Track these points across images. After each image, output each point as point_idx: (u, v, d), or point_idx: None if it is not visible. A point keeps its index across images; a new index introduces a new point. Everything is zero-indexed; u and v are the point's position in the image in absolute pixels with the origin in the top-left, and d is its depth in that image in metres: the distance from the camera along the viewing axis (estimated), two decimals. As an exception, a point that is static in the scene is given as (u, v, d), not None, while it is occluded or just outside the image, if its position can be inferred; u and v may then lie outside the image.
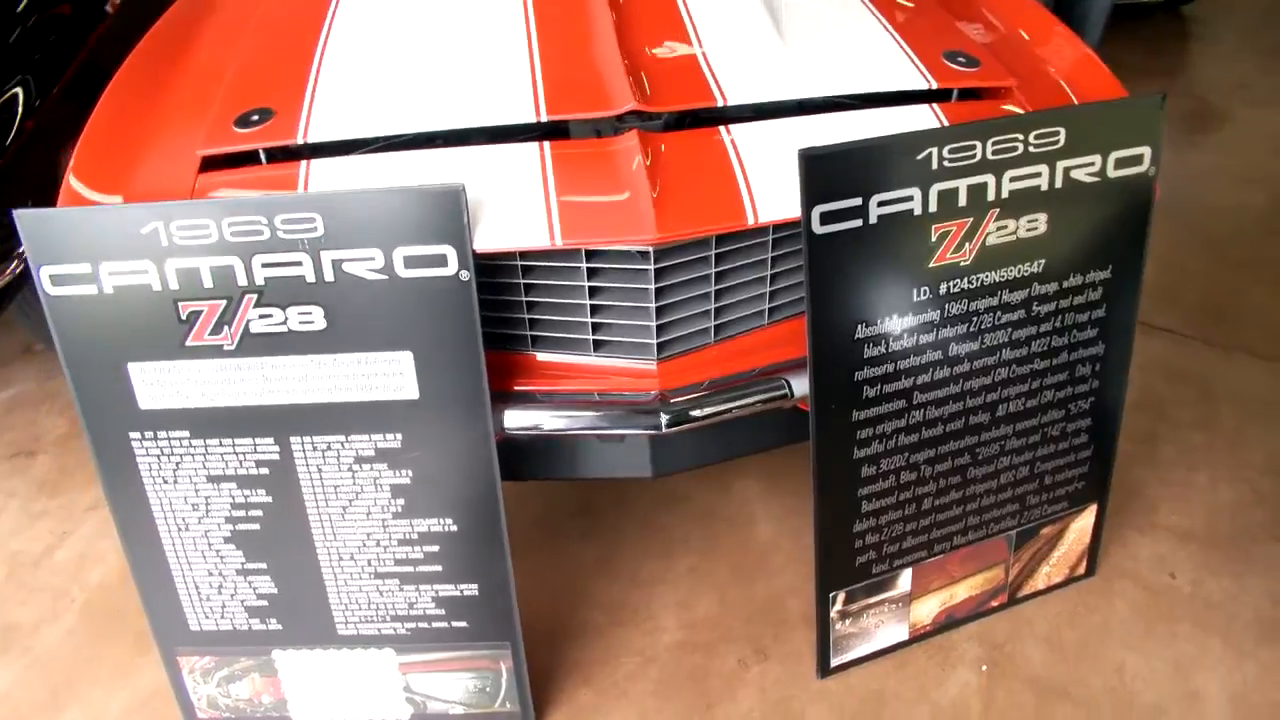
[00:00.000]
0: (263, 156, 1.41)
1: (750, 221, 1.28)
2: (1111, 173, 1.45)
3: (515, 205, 1.27)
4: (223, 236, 1.24)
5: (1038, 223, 1.44)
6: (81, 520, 2.11)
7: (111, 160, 1.45)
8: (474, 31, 1.60)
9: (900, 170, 1.31)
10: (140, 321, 1.29)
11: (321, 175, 1.35)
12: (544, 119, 1.34)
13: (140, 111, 1.55)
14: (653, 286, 1.32)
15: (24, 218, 1.26)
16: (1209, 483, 2.02)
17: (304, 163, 1.37)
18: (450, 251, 1.22)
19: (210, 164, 1.40)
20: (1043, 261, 1.47)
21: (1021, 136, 1.36)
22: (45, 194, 1.81)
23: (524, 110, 1.35)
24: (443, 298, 1.25)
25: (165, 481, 1.40)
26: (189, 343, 1.30)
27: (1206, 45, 4.39)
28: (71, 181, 1.41)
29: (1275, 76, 4.04)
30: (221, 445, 1.37)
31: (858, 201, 1.30)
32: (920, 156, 1.31)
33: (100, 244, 1.26)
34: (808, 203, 1.26)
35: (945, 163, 1.33)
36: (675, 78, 1.42)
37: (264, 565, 1.45)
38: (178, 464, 1.38)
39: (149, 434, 1.36)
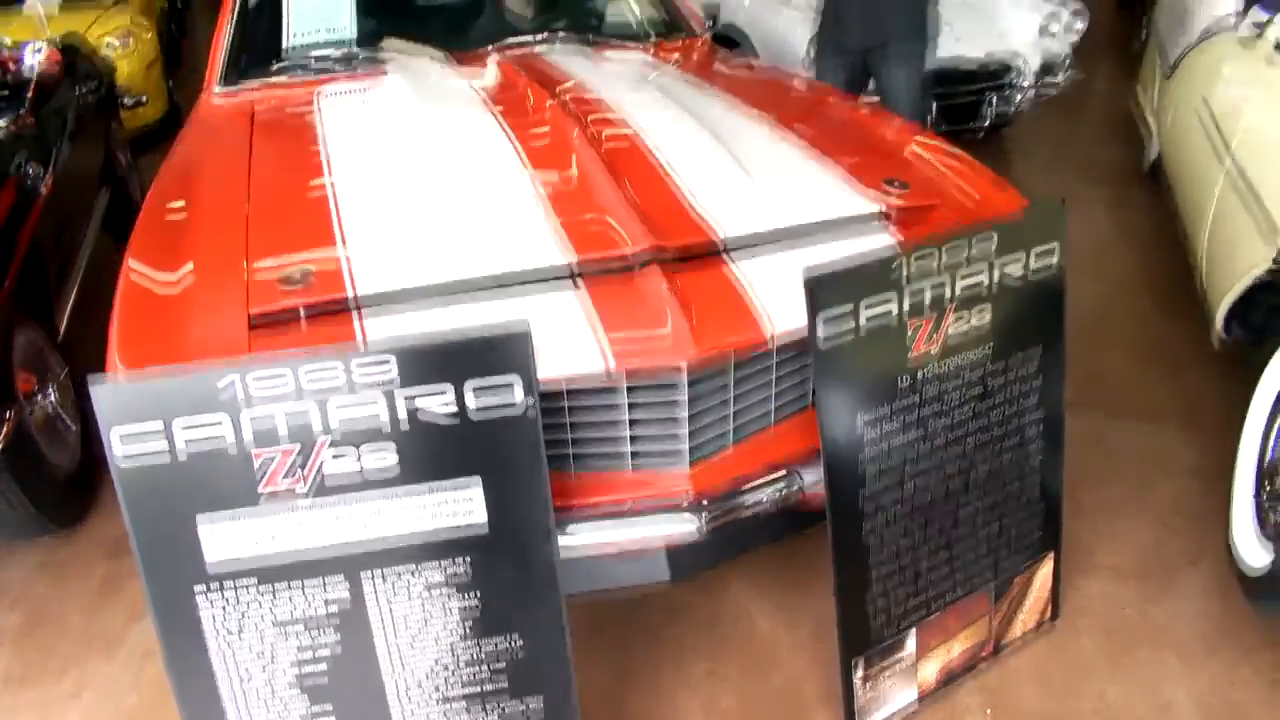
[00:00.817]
0: (303, 312, 1.52)
1: (769, 340, 1.48)
2: (1033, 266, 1.75)
3: (568, 340, 1.43)
4: (299, 386, 1.34)
5: (984, 314, 1.71)
6: (65, 709, 2.03)
7: (155, 333, 1.52)
8: (474, 180, 1.79)
9: (881, 282, 1.55)
10: (212, 476, 1.35)
11: (376, 328, 1.47)
12: (576, 266, 1.51)
13: (165, 290, 1.64)
14: (685, 399, 1.49)
15: (99, 388, 1.32)
16: (1132, 526, 2.33)
17: (355, 314, 1.48)
18: (518, 386, 1.36)
19: (259, 323, 1.50)
20: (991, 345, 1.74)
21: (966, 244, 1.64)
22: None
23: (555, 255, 1.53)
24: (510, 429, 1.38)
25: (230, 633, 1.43)
26: (261, 490, 1.37)
27: (1028, 161, 5.06)
28: (118, 359, 1.47)
29: (1085, 183, 4.71)
30: (290, 590, 1.42)
31: (850, 316, 1.53)
32: (895, 272, 1.56)
33: (175, 405, 1.32)
34: (812, 317, 1.48)
35: (913, 272, 1.59)
36: (674, 217, 1.64)
37: (329, 707, 1.49)
38: (244, 613, 1.42)
39: (215, 586, 1.40)
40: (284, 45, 2.87)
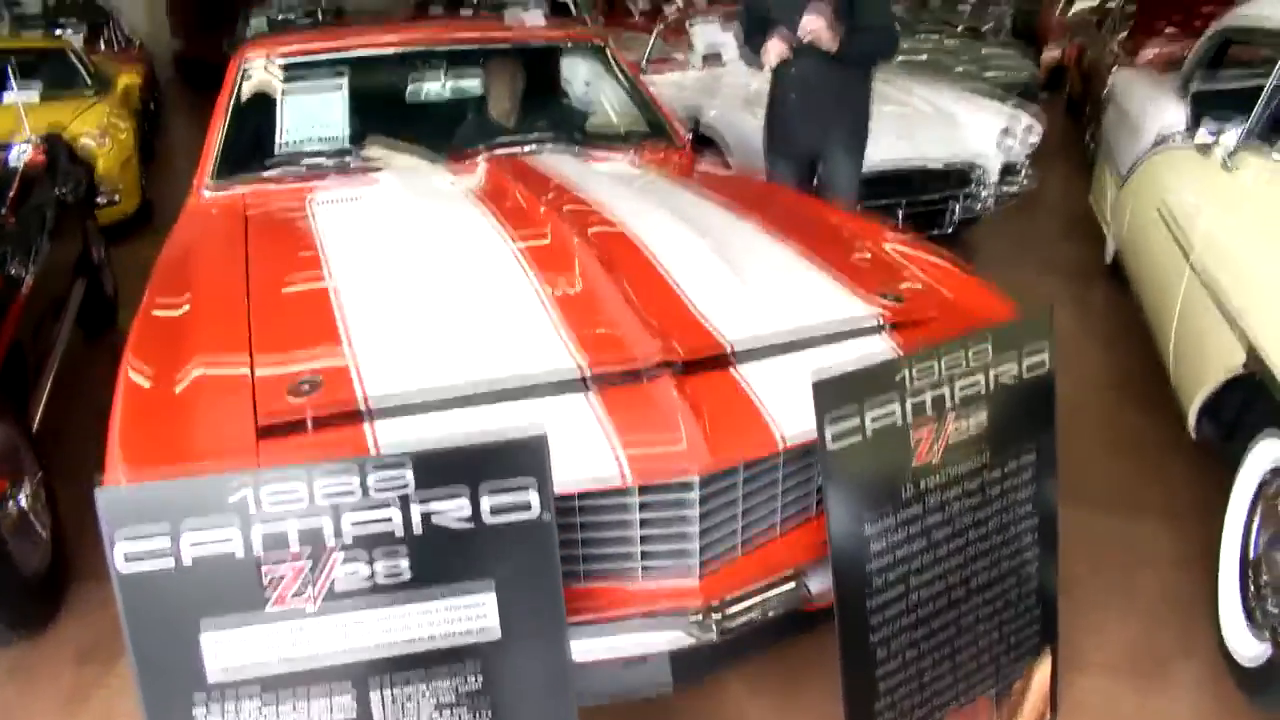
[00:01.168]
0: (310, 423, 1.51)
1: (780, 446, 1.50)
2: (1026, 372, 1.80)
3: (583, 448, 1.43)
4: (313, 498, 1.32)
5: (982, 418, 1.74)
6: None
7: (158, 436, 1.50)
8: (478, 285, 1.81)
9: (885, 386, 1.58)
10: (218, 584, 1.32)
11: (388, 435, 1.46)
12: (589, 373, 1.53)
13: (167, 390, 1.62)
14: (698, 511, 1.49)
15: (104, 492, 1.30)
16: (1121, 619, 2.34)
17: (366, 424, 1.48)
18: (534, 495, 1.36)
19: (267, 432, 1.48)
20: (988, 450, 1.77)
21: (964, 352, 1.69)
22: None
23: (567, 362, 1.55)
24: (525, 535, 1.37)
25: (229, 752, 1.37)
26: (270, 608, 1.34)
27: (992, 259, 5.22)
28: (120, 461, 1.45)
29: (1048, 280, 4.87)
30: (295, 700, 1.37)
31: (856, 421, 1.55)
32: (898, 377, 1.60)
33: (183, 511, 1.30)
34: (822, 422, 1.51)
35: (915, 380, 1.62)
36: (680, 324, 1.67)
37: (329, 830, 1.42)
38: (245, 727, 1.37)
39: (215, 696, 1.35)
40: (277, 146, 2.91)
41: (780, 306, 1.78)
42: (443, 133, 3.19)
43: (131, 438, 1.49)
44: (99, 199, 5.04)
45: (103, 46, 9.92)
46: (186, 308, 1.95)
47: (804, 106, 3.46)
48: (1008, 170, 4.92)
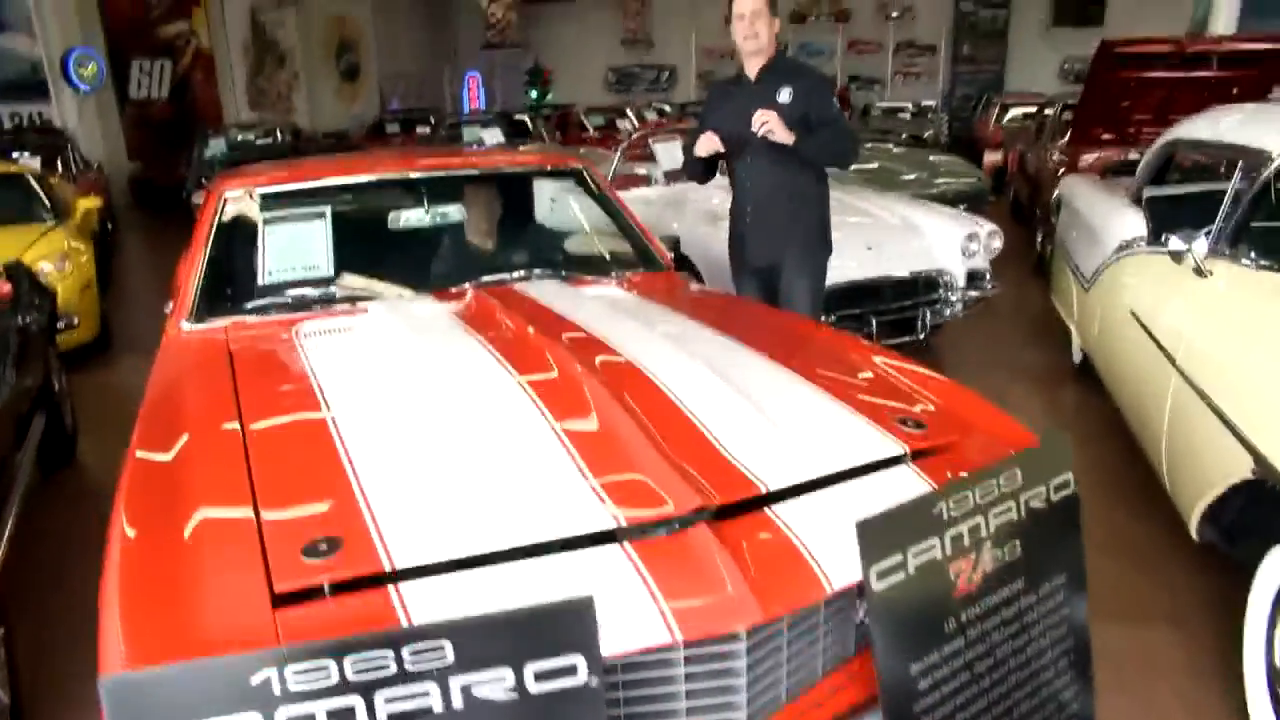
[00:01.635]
0: (326, 589, 1.41)
1: (828, 591, 1.44)
2: (1053, 495, 1.78)
3: (627, 610, 1.35)
4: (344, 677, 1.23)
5: (1016, 548, 1.71)
6: None
7: (162, 614, 1.39)
8: (493, 428, 1.75)
9: (925, 525, 1.55)
10: (237, 782, 1.20)
11: (417, 599, 1.37)
12: (623, 525, 1.46)
13: (167, 554, 1.51)
14: (744, 663, 1.42)
15: (112, 687, 1.19)
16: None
17: (393, 588, 1.39)
18: (581, 661, 1.27)
19: (285, 599, 1.39)
20: (1023, 579, 1.73)
21: (995, 481, 1.66)
22: None
23: (601, 517, 1.48)
24: (573, 705, 1.28)
25: None
26: (295, 798, 1.22)
27: (962, 366, 5.31)
28: (121, 646, 1.33)
29: (1018, 384, 4.97)
30: None
31: (899, 558, 1.51)
32: (936, 511, 1.56)
33: (199, 702, 1.19)
34: (867, 564, 1.46)
35: (951, 512, 1.59)
36: (711, 468, 1.62)
37: None
38: None
39: None
40: (260, 278, 2.85)
41: (805, 441, 1.75)
42: (428, 261, 3.17)
43: (132, 615, 1.37)
44: (58, 325, 4.92)
45: (60, 169, 9.88)
46: (179, 456, 1.86)
47: (759, 221, 3.49)
48: (973, 276, 5.04)
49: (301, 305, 2.77)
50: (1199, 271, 2.91)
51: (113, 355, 6.26)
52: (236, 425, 1.93)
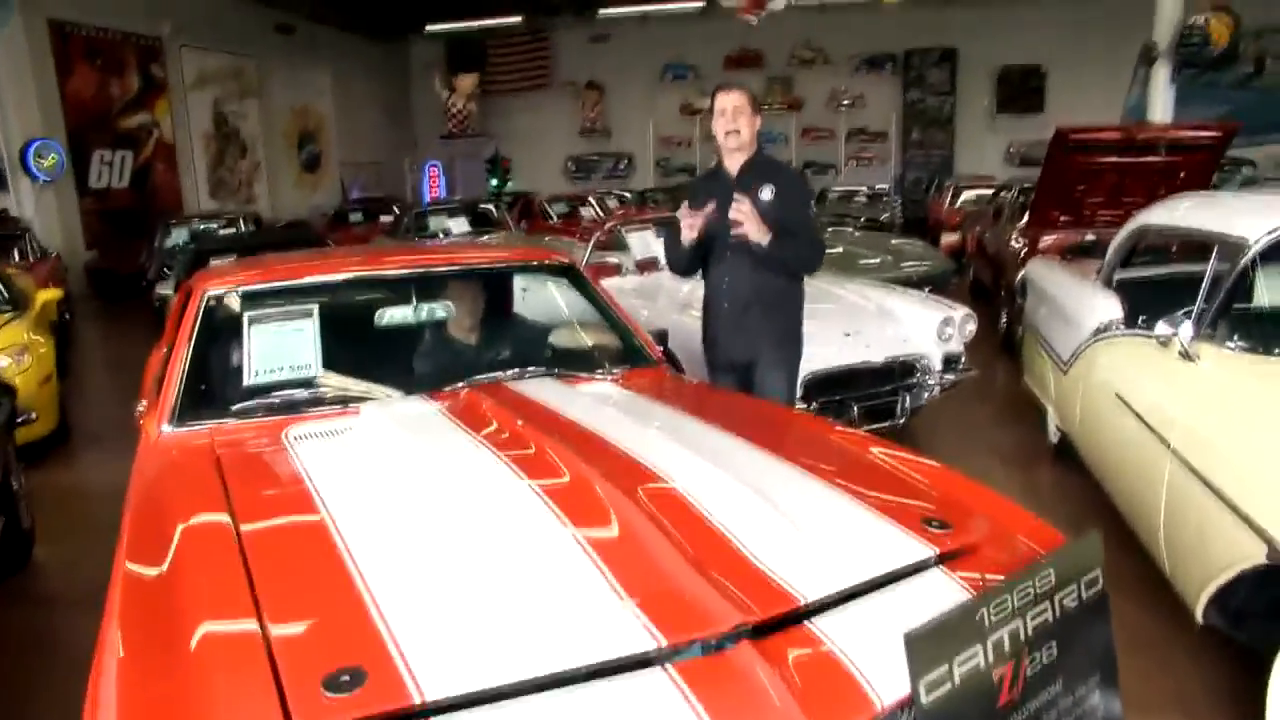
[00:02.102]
0: None
1: (879, 708, 1.38)
2: (1085, 595, 1.75)
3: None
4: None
5: (1053, 650, 1.67)
6: None
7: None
8: (512, 540, 1.67)
9: (968, 633, 1.50)
10: None
11: (451, 734, 1.29)
12: (664, 646, 1.39)
13: (172, 689, 1.41)
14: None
15: None
16: None
17: (421, 724, 1.30)
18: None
19: (308, 738, 1.29)
20: (1061, 680, 1.68)
21: (1032, 583, 1.63)
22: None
23: (641, 639, 1.40)
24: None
25: None
26: None
27: (939, 448, 5.32)
28: None
29: (996, 465, 4.97)
30: None
31: (945, 669, 1.46)
32: (978, 618, 1.52)
33: None
34: (915, 677, 1.40)
35: (992, 619, 1.55)
36: (746, 580, 1.56)
37: None
38: None
39: None
40: (246, 379, 2.77)
41: (834, 548, 1.69)
42: (418, 360, 3.11)
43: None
44: (17, 420, 4.74)
45: (16, 258, 9.70)
46: (175, 572, 1.75)
47: (734, 320, 3.45)
48: (949, 360, 5.10)
49: (289, 407, 2.68)
50: (1186, 356, 2.96)
51: (72, 449, 6.06)
52: (234, 539, 1.84)
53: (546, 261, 3.42)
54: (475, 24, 21.00)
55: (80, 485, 5.43)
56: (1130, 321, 3.78)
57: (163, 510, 2.11)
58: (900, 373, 4.99)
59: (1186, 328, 2.96)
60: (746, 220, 3.20)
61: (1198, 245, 3.75)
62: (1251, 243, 2.86)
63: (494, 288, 3.32)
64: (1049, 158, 6.99)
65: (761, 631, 1.45)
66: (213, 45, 16.61)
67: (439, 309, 3.18)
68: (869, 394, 4.84)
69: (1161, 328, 3.00)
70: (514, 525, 1.75)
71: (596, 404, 2.58)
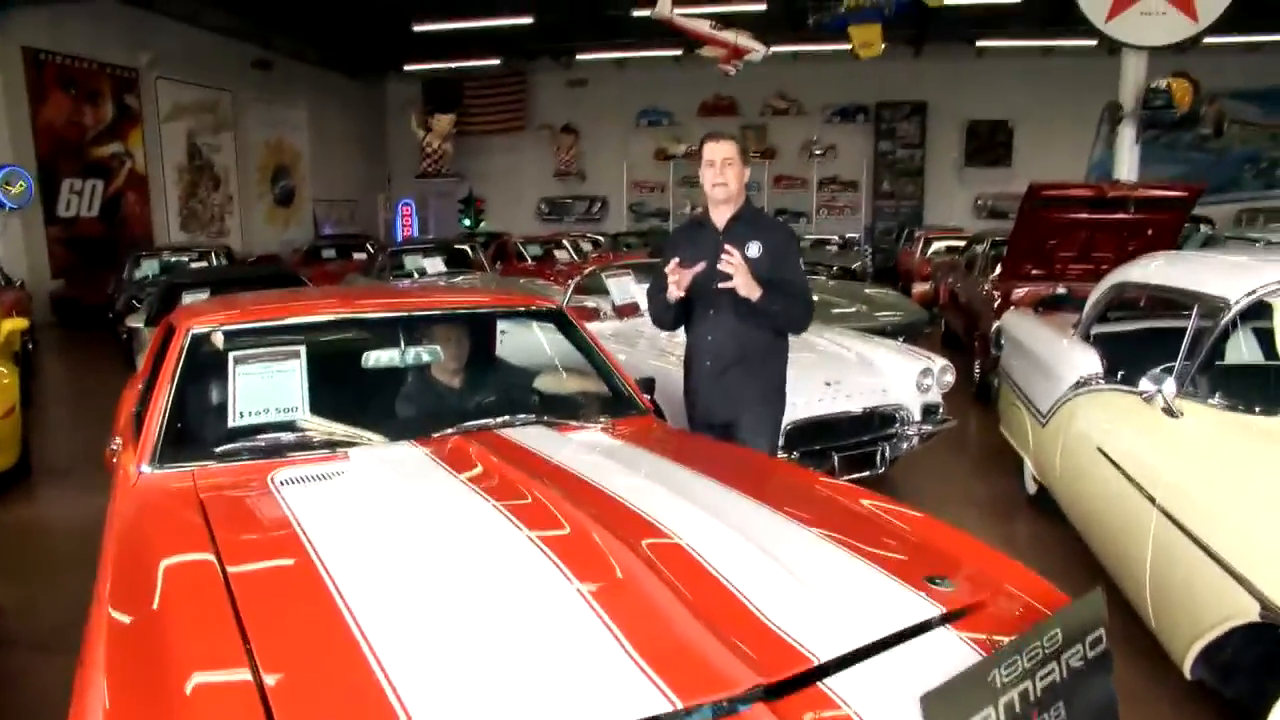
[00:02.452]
0: None
1: (895, 770, 1.35)
2: (1089, 654, 1.74)
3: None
4: None
5: (1060, 711, 1.65)
6: None
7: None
8: (526, 606, 1.62)
9: (980, 693, 1.48)
10: None
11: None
12: (679, 708, 1.36)
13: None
14: None
15: None
16: None
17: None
18: None
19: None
20: (1068, 744, 1.67)
21: (1040, 642, 1.62)
22: None
23: (655, 700, 1.37)
24: None
25: None
26: None
27: (915, 497, 5.32)
28: None
29: (972, 515, 4.97)
30: None
31: (960, 726, 1.44)
32: (990, 678, 1.51)
33: None
34: (934, 740, 1.38)
35: (1003, 679, 1.53)
36: (760, 642, 1.53)
37: None
38: None
39: None
40: (231, 420, 2.71)
41: (840, 606, 1.67)
42: (406, 404, 3.07)
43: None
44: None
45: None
46: (161, 620, 1.69)
47: (717, 377, 3.35)
48: (927, 410, 5.13)
49: (274, 450, 2.62)
50: (1169, 411, 3.00)
51: (33, 484, 5.89)
52: (223, 586, 1.78)
53: (535, 306, 3.40)
54: (453, 65, 21.17)
55: (41, 521, 5.28)
56: (1110, 376, 3.84)
57: (146, 554, 2.05)
58: (879, 422, 5.01)
59: (1169, 385, 3.00)
60: (737, 273, 3.10)
61: (1167, 301, 3.84)
62: (1232, 303, 2.92)
63: (481, 332, 3.29)
64: (1022, 212, 7.14)
65: (774, 693, 1.43)
66: (189, 78, 16.58)
67: (425, 352, 3.15)
68: (850, 444, 4.86)
69: (1146, 384, 3.04)
70: (516, 578, 1.72)
71: (590, 453, 2.55)
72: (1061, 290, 7.56)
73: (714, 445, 3.12)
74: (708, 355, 3.38)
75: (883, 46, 11.49)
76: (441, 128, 22.09)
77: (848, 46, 11.77)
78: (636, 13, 15.67)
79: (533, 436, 2.68)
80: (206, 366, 2.93)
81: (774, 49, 14.14)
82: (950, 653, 1.64)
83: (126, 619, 1.74)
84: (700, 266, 3.22)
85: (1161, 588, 2.82)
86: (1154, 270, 3.72)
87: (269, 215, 19.34)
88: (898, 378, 5.12)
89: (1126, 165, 9.36)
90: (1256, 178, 16.16)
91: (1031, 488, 5.13)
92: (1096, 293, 4.27)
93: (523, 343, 3.54)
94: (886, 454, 4.94)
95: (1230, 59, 15.97)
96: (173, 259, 11.70)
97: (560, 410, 3.04)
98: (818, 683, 1.48)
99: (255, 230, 18.60)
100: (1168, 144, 15.31)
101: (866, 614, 1.67)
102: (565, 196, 23.74)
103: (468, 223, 22.72)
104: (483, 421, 2.81)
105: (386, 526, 2.04)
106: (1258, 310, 2.96)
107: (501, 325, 3.53)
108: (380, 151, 24.14)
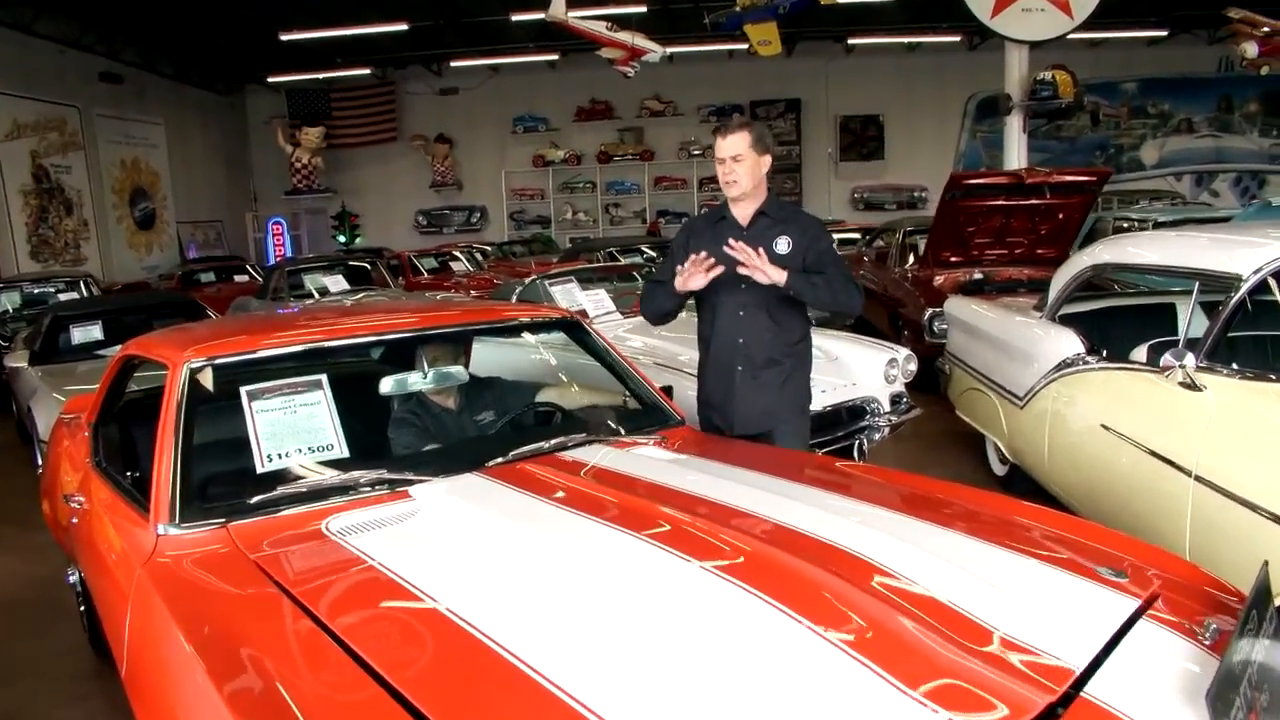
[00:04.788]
0: None
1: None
2: (1273, 626, 1.73)
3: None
4: None
5: (1266, 689, 1.63)
6: None
7: None
8: (753, 651, 1.46)
9: (1233, 683, 1.44)
10: None
11: None
12: None
13: None
14: None
15: None
16: None
17: None
18: None
19: None
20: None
21: (1250, 623, 1.59)
22: None
23: None
24: None
25: None
26: None
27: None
28: None
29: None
30: None
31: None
32: (1238, 665, 1.47)
33: None
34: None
35: (1243, 662, 1.50)
36: (1016, 660, 1.44)
37: None
38: None
39: None
40: (258, 470, 2.41)
41: (1059, 611, 1.61)
42: (441, 431, 2.84)
43: None
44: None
45: None
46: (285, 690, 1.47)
47: (751, 382, 3.13)
48: (893, 400, 5.19)
49: (317, 495, 2.35)
50: (1190, 385, 3.09)
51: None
52: (358, 668, 1.55)
53: (549, 317, 3.21)
54: (320, 75, 20.30)
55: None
56: (1094, 355, 3.95)
57: (222, 626, 1.78)
58: (848, 416, 5.04)
59: (1190, 359, 3.09)
60: (751, 262, 2.92)
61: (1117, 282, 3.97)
62: (1245, 277, 3.04)
63: (505, 347, 3.08)
64: (943, 201, 7.36)
65: (1058, 710, 1.34)
66: (27, 92, 15.19)
67: (451, 373, 2.92)
68: (829, 439, 4.86)
69: (1168, 359, 3.12)
70: (717, 616, 1.56)
71: (685, 469, 2.40)
72: (978, 275, 7.87)
73: (799, 455, 2.98)
74: (738, 359, 3.15)
75: (780, 45, 11.68)
76: (309, 141, 21.14)
77: (744, 46, 11.90)
78: (517, 16, 15.45)
79: (602, 456, 2.51)
80: (215, 406, 2.63)
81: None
82: (1166, 643, 1.60)
83: (244, 692, 1.50)
84: (719, 269, 3.03)
85: (1202, 558, 2.90)
86: (1140, 250, 3.85)
87: (130, 240, 17.97)
88: (865, 370, 5.16)
89: (1016, 153, 9.83)
90: (1106, 163, 17.26)
91: (999, 469, 5.27)
92: (1065, 275, 4.39)
93: (538, 356, 3.34)
94: (865, 448, 4.96)
95: (1077, 54, 17.08)
96: (35, 290, 10.69)
97: (603, 425, 2.86)
98: (1083, 693, 1.40)
99: (116, 256, 17.26)
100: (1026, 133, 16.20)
101: (1083, 616, 1.61)
102: (443, 207, 23.12)
103: (343, 239, 21.83)
104: (535, 446, 2.62)
105: (519, 571, 1.83)
106: (1262, 285, 3.08)
107: (530, 340, 3.32)
108: (244, 168, 22.89)
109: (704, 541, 1.82)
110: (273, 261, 18.39)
